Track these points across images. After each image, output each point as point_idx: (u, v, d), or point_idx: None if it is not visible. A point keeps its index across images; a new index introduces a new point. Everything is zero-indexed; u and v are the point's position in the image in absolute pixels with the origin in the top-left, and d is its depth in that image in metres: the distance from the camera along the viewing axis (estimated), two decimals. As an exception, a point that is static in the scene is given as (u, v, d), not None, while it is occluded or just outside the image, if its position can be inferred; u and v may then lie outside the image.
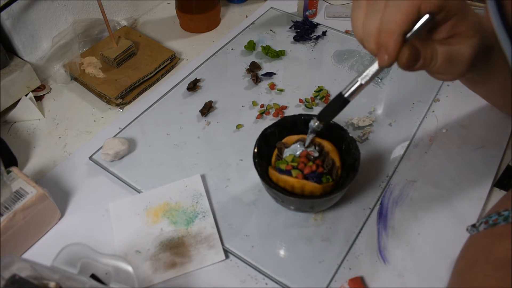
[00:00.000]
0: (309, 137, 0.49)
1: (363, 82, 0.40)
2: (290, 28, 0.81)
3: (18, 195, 0.49)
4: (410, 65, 0.38)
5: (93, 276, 0.46)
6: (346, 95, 0.42)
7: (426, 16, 0.35)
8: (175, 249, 0.50)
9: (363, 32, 0.37)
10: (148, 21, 0.86)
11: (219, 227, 0.52)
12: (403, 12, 0.34)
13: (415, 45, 0.37)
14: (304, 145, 0.51)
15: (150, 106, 0.67)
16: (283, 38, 0.79)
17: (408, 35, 0.36)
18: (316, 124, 0.46)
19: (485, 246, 0.40)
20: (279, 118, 0.63)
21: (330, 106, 0.44)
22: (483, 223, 0.41)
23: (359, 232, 0.52)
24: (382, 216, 0.53)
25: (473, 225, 0.43)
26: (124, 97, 0.69)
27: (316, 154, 0.50)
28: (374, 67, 0.39)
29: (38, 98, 0.70)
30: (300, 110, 0.66)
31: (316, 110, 0.66)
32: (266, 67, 0.74)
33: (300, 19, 0.82)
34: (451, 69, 0.40)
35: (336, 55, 0.76)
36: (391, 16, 0.35)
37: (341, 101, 0.42)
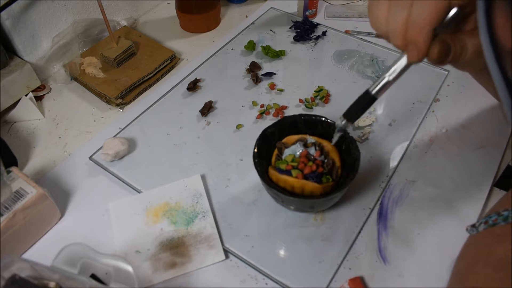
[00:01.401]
0: (336, 136, 0.47)
1: (390, 78, 0.39)
2: (290, 28, 0.81)
3: (18, 195, 0.49)
4: (441, 60, 0.37)
5: (93, 276, 0.46)
6: (373, 92, 0.40)
7: (455, 9, 0.34)
8: (175, 249, 0.50)
9: (387, 27, 0.37)
10: (148, 21, 0.86)
11: (219, 227, 0.52)
12: (433, 7, 0.34)
13: (445, 39, 0.36)
14: (304, 145, 0.51)
15: (150, 106, 0.67)
16: (283, 38, 0.79)
17: (437, 29, 0.35)
18: (344, 122, 0.45)
19: (485, 247, 0.40)
20: (279, 118, 0.63)
21: (357, 104, 0.43)
22: (483, 223, 0.41)
23: (359, 232, 0.52)
24: (382, 216, 0.53)
25: (473, 225, 0.43)
26: (124, 97, 0.69)
27: (322, 158, 0.49)
28: (402, 62, 0.38)
29: (38, 98, 0.70)
30: (300, 110, 0.66)
31: (316, 110, 0.66)
32: (266, 67, 0.74)
33: (300, 19, 0.82)
34: (479, 62, 0.38)
35: (336, 55, 0.76)
36: (420, 12, 0.34)
37: (368, 99, 0.41)
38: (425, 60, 0.37)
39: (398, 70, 0.38)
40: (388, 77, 0.39)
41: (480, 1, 0.25)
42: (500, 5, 0.25)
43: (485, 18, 0.25)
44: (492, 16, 0.25)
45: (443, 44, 0.36)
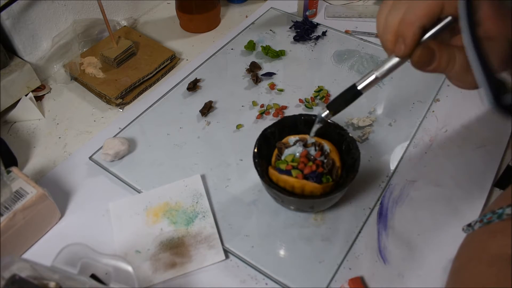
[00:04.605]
0: (315, 126, 0.47)
1: (378, 75, 0.39)
2: (290, 28, 0.81)
3: (18, 195, 0.49)
4: (421, 65, 0.37)
5: (93, 276, 0.46)
6: (359, 87, 0.40)
7: (448, 18, 0.35)
8: (175, 249, 0.50)
9: (384, 25, 0.38)
10: (148, 21, 0.86)
11: (219, 227, 0.52)
12: (426, 5, 0.35)
13: (431, 46, 0.37)
14: (304, 144, 0.51)
15: (150, 106, 0.67)
16: (283, 38, 0.79)
17: (428, 34, 0.36)
18: (326, 113, 0.44)
19: (480, 244, 0.41)
20: (279, 118, 0.63)
21: (341, 96, 0.43)
22: (478, 222, 0.42)
23: (359, 232, 0.52)
24: (382, 216, 0.53)
25: (469, 225, 0.43)
26: (124, 97, 0.69)
27: (322, 158, 0.49)
28: (392, 61, 0.38)
29: (38, 98, 0.70)
30: (300, 110, 0.66)
31: (316, 110, 0.66)
32: (266, 67, 0.74)
33: (300, 19, 0.82)
34: (468, 78, 0.39)
35: (336, 55, 0.76)
36: (413, 9, 0.36)
37: (353, 93, 0.41)
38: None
39: (387, 67, 0.39)
40: (376, 73, 0.39)
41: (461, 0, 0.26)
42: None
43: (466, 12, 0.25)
44: (475, 10, 0.25)
45: (427, 49, 0.36)
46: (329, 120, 0.53)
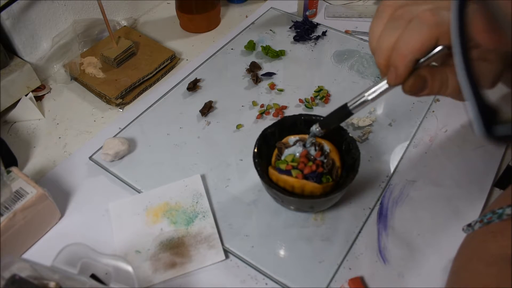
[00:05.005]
0: (308, 140, 0.49)
1: (369, 98, 0.40)
2: (290, 28, 0.81)
3: (18, 195, 0.49)
4: (413, 93, 0.37)
5: (93, 276, 0.46)
6: (350, 108, 0.42)
7: (441, 47, 0.34)
8: (175, 249, 0.50)
9: (376, 44, 0.37)
10: (148, 21, 0.86)
11: (219, 227, 0.52)
12: (420, 39, 0.34)
13: (423, 74, 0.36)
14: (303, 144, 0.51)
15: (150, 106, 0.67)
16: (283, 38, 0.79)
17: (420, 62, 0.35)
18: (318, 130, 0.47)
19: (479, 244, 0.41)
20: (279, 118, 0.63)
21: (334, 114, 0.44)
22: (478, 222, 0.42)
23: (359, 232, 0.52)
24: (382, 216, 0.53)
25: (469, 225, 0.43)
26: (124, 97, 0.69)
27: (322, 158, 0.50)
28: (383, 85, 0.39)
29: (38, 98, 0.70)
30: (300, 110, 0.66)
31: (316, 110, 0.66)
32: (266, 67, 0.74)
33: (300, 19, 0.82)
34: (462, 97, 0.39)
35: (336, 55, 0.76)
36: (407, 39, 0.34)
37: (345, 112, 0.42)
38: None
39: (378, 92, 0.39)
40: (367, 96, 0.40)
41: (453, 14, 0.25)
42: (478, 10, 0.24)
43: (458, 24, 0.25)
44: (466, 19, 0.25)
45: (419, 78, 0.36)
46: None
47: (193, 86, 0.69)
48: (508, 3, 0.22)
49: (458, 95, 0.38)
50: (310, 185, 0.47)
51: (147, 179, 0.57)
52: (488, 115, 0.24)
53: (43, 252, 0.51)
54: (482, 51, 0.32)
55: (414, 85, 0.36)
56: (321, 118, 0.53)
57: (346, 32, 0.80)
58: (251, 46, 0.76)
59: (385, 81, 0.38)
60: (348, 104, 0.42)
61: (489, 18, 0.24)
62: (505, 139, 0.24)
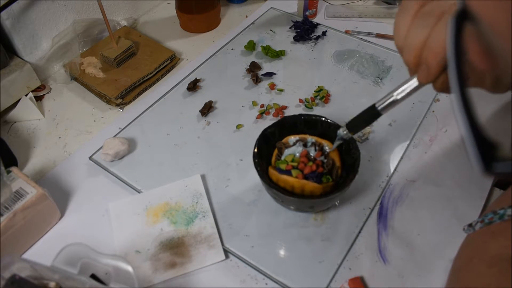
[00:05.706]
0: (336, 143, 0.48)
1: (398, 97, 0.39)
2: (290, 28, 0.81)
3: (18, 195, 0.49)
4: (444, 90, 0.36)
5: (93, 276, 0.46)
6: (379, 108, 0.40)
7: None
8: (175, 249, 0.50)
9: (404, 42, 0.36)
10: (148, 21, 0.86)
11: (219, 227, 0.52)
12: None
13: None
14: (303, 145, 0.51)
15: (150, 106, 0.67)
16: (283, 38, 0.79)
17: None
18: (345, 132, 0.45)
19: (480, 244, 0.41)
20: (279, 118, 0.63)
21: (361, 116, 0.43)
22: (479, 222, 0.41)
23: (359, 232, 0.52)
24: (382, 216, 0.53)
25: (470, 225, 0.43)
26: (124, 97, 0.69)
27: (322, 158, 0.50)
28: (413, 83, 0.37)
29: (38, 98, 0.70)
30: (300, 110, 0.66)
31: (316, 110, 0.66)
32: (266, 67, 0.74)
33: (300, 19, 0.82)
34: (500, 89, 0.37)
35: (336, 55, 0.76)
36: (440, 36, 0.33)
37: (373, 113, 0.41)
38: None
39: (407, 90, 0.38)
40: (396, 95, 0.39)
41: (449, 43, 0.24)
42: (473, 32, 0.24)
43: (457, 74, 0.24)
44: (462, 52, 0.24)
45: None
46: (328, 121, 0.53)
47: (193, 86, 0.69)
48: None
49: (496, 89, 0.36)
50: (310, 185, 0.47)
51: (147, 179, 0.57)
52: (487, 152, 0.23)
53: (43, 252, 0.51)
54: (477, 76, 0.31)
55: (444, 83, 0.35)
56: (324, 117, 0.52)
57: (346, 32, 0.80)
58: (251, 46, 0.76)
59: (414, 79, 0.37)
60: (377, 105, 0.40)
61: (484, 44, 0.24)
62: (504, 174, 0.23)
